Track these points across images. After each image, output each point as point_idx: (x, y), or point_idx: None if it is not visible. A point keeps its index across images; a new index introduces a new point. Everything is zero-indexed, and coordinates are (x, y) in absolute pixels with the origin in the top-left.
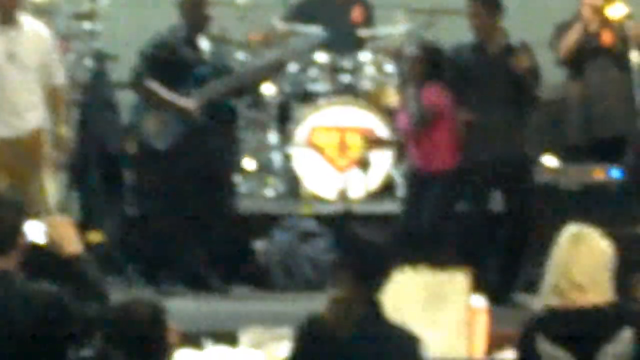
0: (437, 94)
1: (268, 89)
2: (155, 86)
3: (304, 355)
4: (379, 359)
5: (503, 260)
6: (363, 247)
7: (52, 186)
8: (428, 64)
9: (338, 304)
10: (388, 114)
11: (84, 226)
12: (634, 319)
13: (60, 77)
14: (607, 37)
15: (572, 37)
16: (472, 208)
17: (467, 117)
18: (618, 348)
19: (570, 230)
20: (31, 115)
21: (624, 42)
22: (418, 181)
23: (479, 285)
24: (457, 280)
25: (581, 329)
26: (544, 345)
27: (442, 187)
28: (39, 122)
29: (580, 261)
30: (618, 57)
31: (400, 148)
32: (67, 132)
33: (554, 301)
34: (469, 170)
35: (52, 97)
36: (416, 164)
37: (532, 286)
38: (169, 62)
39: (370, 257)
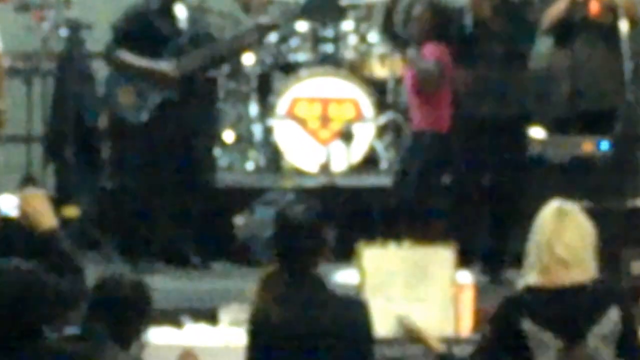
0: (442, 52)
1: (248, 59)
2: (129, 57)
3: (254, 337)
4: (322, 330)
5: (490, 235)
6: (282, 220)
7: None
8: (436, 23)
9: (267, 280)
10: (372, 84)
11: (59, 200)
12: (620, 297)
13: None
14: (595, 7)
15: (558, 7)
16: (460, 178)
17: (466, 77)
18: (606, 329)
19: (554, 205)
20: None
21: (612, 12)
22: (420, 141)
23: (466, 260)
24: (442, 256)
25: (567, 310)
26: (530, 327)
27: (431, 151)
28: None
29: (565, 237)
30: (606, 27)
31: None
32: (3, 104)
33: (537, 278)
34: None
35: None
36: (420, 125)
37: (519, 261)
38: (143, 34)
39: (295, 234)
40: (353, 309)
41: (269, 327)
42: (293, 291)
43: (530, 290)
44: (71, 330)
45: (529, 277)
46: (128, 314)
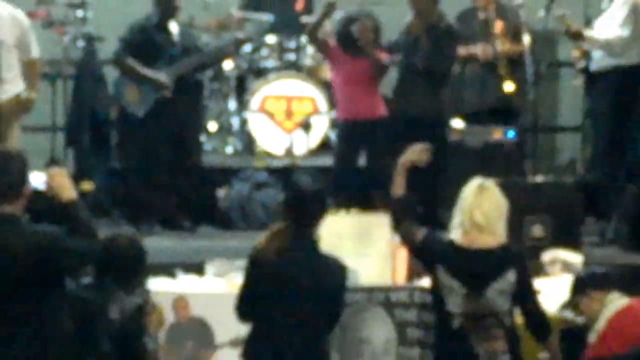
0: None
1: (227, 65)
2: (133, 63)
3: (253, 279)
4: (312, 282)
5: (421, 205)
6: (300, 191)
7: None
8: (376, 32)
9: (276, 234)
10: (325, 85)
11: (77, 177)
12: (518, 262)
13: (35, 52)
14: (499, 27)
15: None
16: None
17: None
18: (503, 285)
19: (476, 181)
20: (9, 86)
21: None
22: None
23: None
24: (382, 221)
25: (474, 266)
26: (444, 276)
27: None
28: (16, 91)
29: (482, 206)
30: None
31: None
32: (35, 96)
33: (458, 238)
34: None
35: (28, 67)
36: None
37: (444, 226)
38: (144, 44)
39: (304, 199)
40: (338, 271)
41: (267, 271)
42: (295, 246)
43: (450, 245)
44: (85, 280)
45: (452, 235)
46: (128, 266)
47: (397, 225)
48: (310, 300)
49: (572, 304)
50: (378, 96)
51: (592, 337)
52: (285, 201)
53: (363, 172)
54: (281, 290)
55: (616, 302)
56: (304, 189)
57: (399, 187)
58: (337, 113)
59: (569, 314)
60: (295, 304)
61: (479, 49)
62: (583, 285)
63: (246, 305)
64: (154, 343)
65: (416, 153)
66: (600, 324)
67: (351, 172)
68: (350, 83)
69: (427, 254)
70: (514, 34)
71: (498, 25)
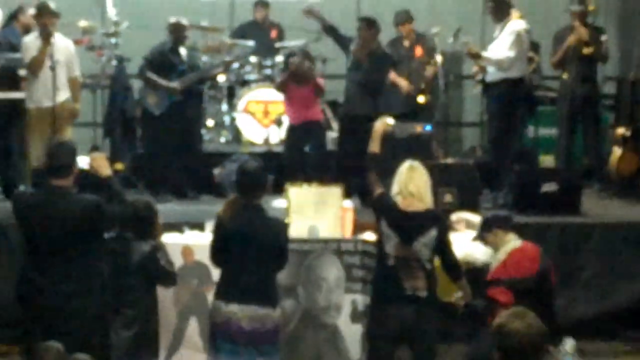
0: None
1: (221, 78)
2: (152, 76)
3: (217, 236)
4: (259, 236)
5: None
6: (241, 171)
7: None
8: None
9: (230, 203)
10: None
11: (112, 160)
12: (440, 222)
13: (77, 71)
14: (419, 52)
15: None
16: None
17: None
18: (427, 239)
19: (408, 162)
20: (61, 93)
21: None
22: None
23: (349, 194)
24: (335, 191)
25: (407, 223)
26: (384, 227)
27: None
28: (65, 97)
29: (414, 180)
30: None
31: None
32: (79, 107)
33: (398, 201)
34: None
35: (72, 84)
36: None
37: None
38: (161, 63)
39: (246, 177)
40: (279, 227)
41: (226, 231)
42: (244, 211)
43: (393, 205)
44: (110, 234)
45: (394, 199)
46: (143, 221)
47: (367, 173)
48: (260, 249)
49: (479, 237)
50: (317, 107)
51: (493, 264)
52: (236, 179)
53: (307, 157)
54: (237, 243)
55: (514, 241)
56: (247, 169)
57: (374, 146)
58: (288, 119)
59: (477, 244)
60: (248, 253)
61: (404, 85)
62: (489, 223)
63: (215, 256)
64: (170, 266)
65: (383, 122)
66: (501, 255)
67: (298, 158)
68: (297, 102)
69: (377, 207)
70: (429, 56)
71: (418, 50)
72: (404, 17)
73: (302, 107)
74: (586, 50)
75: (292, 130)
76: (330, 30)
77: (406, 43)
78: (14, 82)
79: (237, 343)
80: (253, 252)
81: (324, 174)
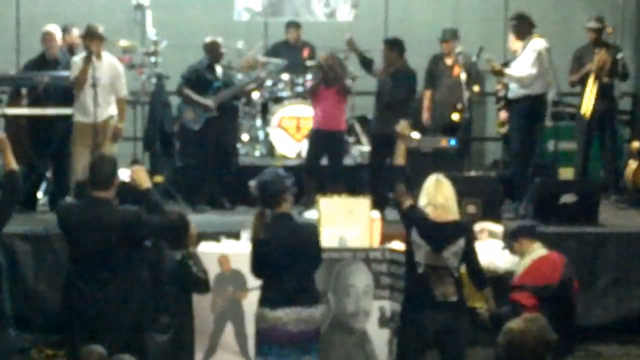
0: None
1: (255, 95)
2: (190, 93)
3: (255, 252)
4: (292, 242)
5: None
6: (261, 184)
7: (113, 150)
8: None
9: (257, 217)
10: None
11: (151, 172)
12: (467, 233)
13: (123, 92)
14: (457, 71)
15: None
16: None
17: None
18: (455, 249)
19: (434, 176)
20: (104, 111)
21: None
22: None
23: (377, 206)
24: (363, 202)
25: (437, 233)
26: (416, 236)
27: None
28: (108, 115)
29: (442, 192)
30: (457, 77)
31: None
32: (122, 126)
33: (427, 211)
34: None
35: (118, 103)
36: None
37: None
38: (198, 80)
39: (262, 186)
40: (309, 229)
41: (261, 242)
42: (274, 221)
43: (423, 216)
44: (147, 243)
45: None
46: (176, 232)
47: (393, 187)
48: (295, 254)
49: (507, 246)
50: (342, 116)
51: (518, 271)
52: (257, 193)
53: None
54: (274, 253)
55: (539, 249)
56: (263, 180)
57: (399, 158)
58: (313, 123)
59: (500, 252)
60: (285, 260)
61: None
62: (516, 233)
63: (255, 270)
64: (203, 273)
65: (401, 126)
66: (526, 262)
67: (315, 165)
68: (324, 106)
69: (407, 218)
70: (474, 80)
71: (456, 69)
72: (449, 35)
73: (328, 111)
74: (606, 79)
75: (315, 134)
76: (364, 64)
77: (448, 61)
78: (63, 99)
79: (284, 345)
80: (289, 258)
81: (337, 184)
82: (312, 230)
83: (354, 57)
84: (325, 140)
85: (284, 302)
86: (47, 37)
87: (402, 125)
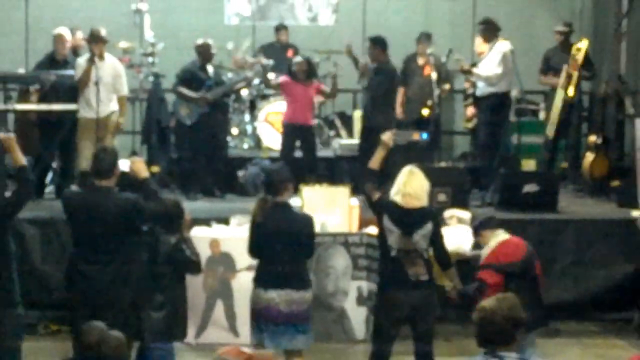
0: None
1: (244, 92)
2: (184, 90)
3: (253, 232)
4: (289, 230)
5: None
6: (267, 172)
7: (114, 142)
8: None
9: (260, 202)
10: None
11: (149, 163)
12: (434, 217)
13: (124, 90)
14: (427, 71)
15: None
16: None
17: None
18: (424, 232)
19: (408, 167)
20: (106, 107)
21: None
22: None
23: (355, 193)
24: (343, 191)
25: (407, 218)
26: (387, 222)
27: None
28: (109, 111)
29: (412, 182)
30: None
31: None
32: (123, 121)
33: (397, 199)
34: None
35: (120, 101)
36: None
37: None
38: (191, 79)
39: (270, 178)
40: (305, 220)
41: (260, 227)
42: (274, 208)
43: (393, 203)
44: (144, 228)
45: (393, 198)
46: (171, 218)
47: (363, 185)
48: (291, 241)
49: (475, 246)
50: (312, 113)
51: (484, 253)
52: (262, 181)
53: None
54: (271, 237)
55: (502, 234)
56: (272, 171)
57: (375, 162)
58: (284, 117)
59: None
60: (281, 245)
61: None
62: (476, 228)
63: (252, 249)
64: (195, 256)
65: (387, 136)
66: (492, 244)
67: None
68: (298, 102)
69: (378, 207)
70: (444, 79)
71: (427, 69)
72: (424, 38)
73: (300, 108)
74: (569, 96)
75: (287, 128)
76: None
77: (420, 61)
78: (70, 95)
79: (277, 323)
80: (285, 244)
81: (313, 175)
82: (307, 221)
83: (336, 58)
84: (296, 133)
85: (276, 284)
86: (58, 39)
87: (387, 136)
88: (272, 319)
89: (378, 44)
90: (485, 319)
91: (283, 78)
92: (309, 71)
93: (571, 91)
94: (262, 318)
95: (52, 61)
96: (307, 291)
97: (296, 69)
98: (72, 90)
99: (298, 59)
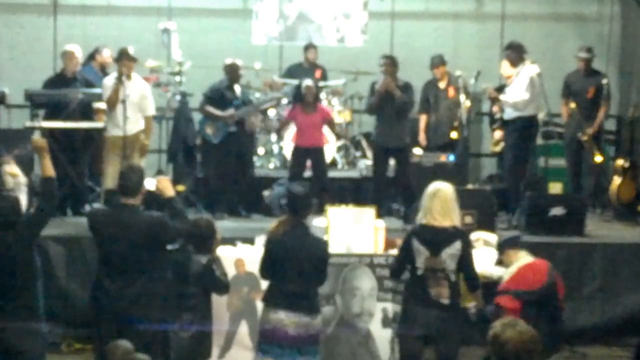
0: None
1: (271, 112)
2: (211, 109)
3: (268, 252)
4: (304, 252)
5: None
6: (292, 195)
7: (141, 162)
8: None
9: (280, 222)
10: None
11: (175, 182)
12: (463, 237)
13: (151, 110)
14: (451, 92)
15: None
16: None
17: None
18: (452, 251)
19: (434, 184)
20: (133, 125)
21: (458, 91)
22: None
23: (381, 215)
24: (369, 212)
25: (435, 238)
26: (415, 244)
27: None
28: (137, 130)
29: (439, 200)
30: (455, 99)
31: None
32: (148, 143)
33: (424, 220)
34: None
35: (146, 121)
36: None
37: (412, 218)
38: (218, 98)
39: (294, 200)
40: (321, 245)
41: (275, 246)
42: (292, 229)
43: (420, 226)
44: (174, 246)
45: (421, 219)
46: (203, 237)
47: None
48: (304, 263)
49: (498, 262)
50: (323, 134)
51: (505, 277)
52: (285, 201)
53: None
54: (285, 258)
55: (525, 257)
56: (295, 192)
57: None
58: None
59: (497, 269)
60: (294, 266)
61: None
62: (501, 247)
63: (264, 269)
64: (224, 277)
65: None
66: (512, 269)
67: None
68: (304, 128)
69: (407, 245)
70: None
71: (451, 91)
72: (438, 61)
73: (308, 132)
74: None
75: (296, 150)
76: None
77: (441, 85)
78: (88, 114)
79: (283, 346)
80: (298, 266)
81: (325, 194)
82: (323, 246)
83: (363, 79)
84: (306, 155)
85: (285, 305)
86: (67, 55)
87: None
88: (278, 341)
89: (395, 62)
90: (509, 351)
91: (287, 111)
92: (317, 95)
93: (599, 158)
94: (267, 338)
95: (62, 78)
96: (317, 317)
97: (305, 92)
98: (86, 108)
99: (308, 82)
